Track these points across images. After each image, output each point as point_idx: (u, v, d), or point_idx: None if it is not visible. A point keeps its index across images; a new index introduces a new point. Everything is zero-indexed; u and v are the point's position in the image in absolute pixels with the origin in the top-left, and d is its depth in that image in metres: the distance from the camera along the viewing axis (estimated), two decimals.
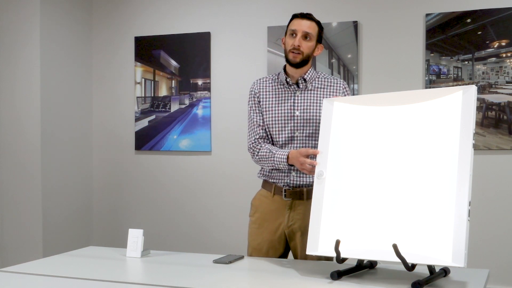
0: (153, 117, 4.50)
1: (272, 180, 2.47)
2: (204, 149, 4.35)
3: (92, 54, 4.66)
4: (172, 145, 4.43)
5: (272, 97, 2.49)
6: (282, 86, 2.49)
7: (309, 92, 2.46)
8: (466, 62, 3.77)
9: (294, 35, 2.41)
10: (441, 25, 3.79)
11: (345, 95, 2.49)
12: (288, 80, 2.47)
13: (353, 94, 3.92)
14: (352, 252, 1.98)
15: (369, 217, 2.00)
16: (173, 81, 4.45)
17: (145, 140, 4.51)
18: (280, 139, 2.45)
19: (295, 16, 2.46)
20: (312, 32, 2.42)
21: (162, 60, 4.46)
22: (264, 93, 2.51)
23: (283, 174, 2.44)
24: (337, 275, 1.95)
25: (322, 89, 2.47)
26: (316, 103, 2.44)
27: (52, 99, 4.23)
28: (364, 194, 2.03)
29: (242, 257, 2.35)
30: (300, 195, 2.42)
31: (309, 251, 2.09)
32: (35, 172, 4.13)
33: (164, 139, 4.46)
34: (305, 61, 2.43)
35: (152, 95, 4.50)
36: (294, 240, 2.45)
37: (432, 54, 3.82)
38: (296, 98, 2.46)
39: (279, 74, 2.53)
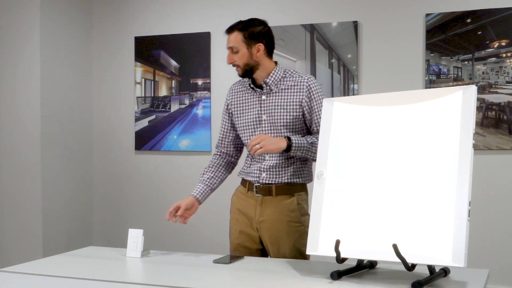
0: (153, 117, 4.50)
1: (248, 178, 2.51)
2: (204, 149, 4.35)
3: (92, 54, 4.66)
4: (172, 145, 4.43)
5: (242, 103, 2.51)
6: (250, 91, 2.50)
7: (274, 95, 2.43)
8: (466, 62, 3.77)
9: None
10: (441, 25, 3.79)
11: (310, 93, 2.40)
12: (251, 85, 2.47)
13: (353, 94, 3.93)
14: (352, 252, 1.98)
15: (369, 217, 2.00)
16: (173, 81, 4.45)
17: (145, 140, 4.51)
18: None
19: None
20: (235, 44, 2.38)
21: (162, 60, 4.46)
22: (235, 99, 2.53)
23: (256, 173, 2.46)
24: (337, 275, 1.95)
25: (286, 90, 2.42)
26: (281, 106, 2.41)
27: (52, 99, 4.23)
28: (364, 194, 2.03)
29: (242, 257, 2.35)
30: (269, 191, 2.45)
31: (309, 251, 2.09)
32: (35, 172, 4.13)
33: (164, 139, 4.46)
34: (250, 70, 2.41)
35: (152, 95, 4.50)
36: (263, 235, 2.48)
37: (432, 54, 3.82)
38: (262, 102, 2.45)
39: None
